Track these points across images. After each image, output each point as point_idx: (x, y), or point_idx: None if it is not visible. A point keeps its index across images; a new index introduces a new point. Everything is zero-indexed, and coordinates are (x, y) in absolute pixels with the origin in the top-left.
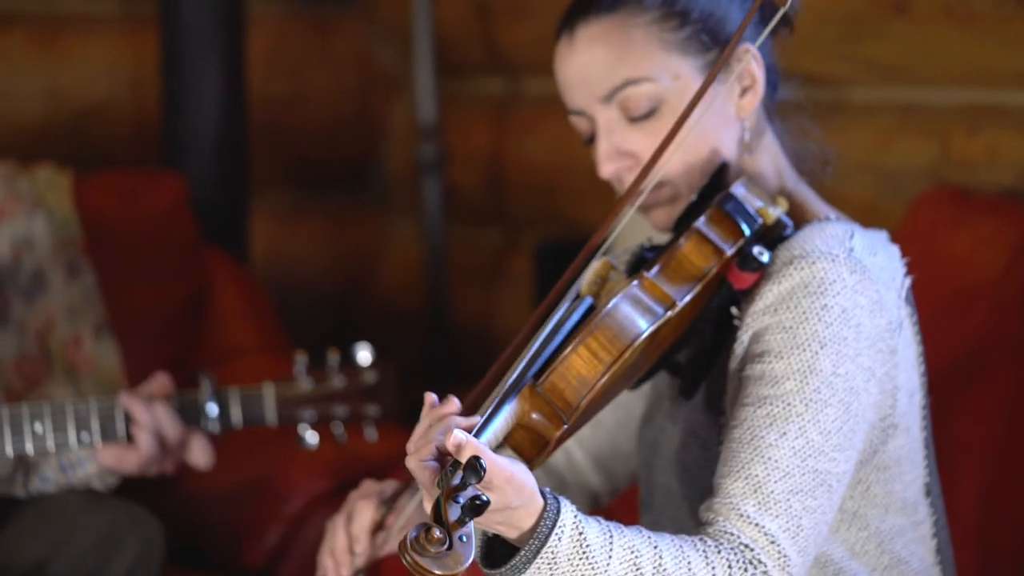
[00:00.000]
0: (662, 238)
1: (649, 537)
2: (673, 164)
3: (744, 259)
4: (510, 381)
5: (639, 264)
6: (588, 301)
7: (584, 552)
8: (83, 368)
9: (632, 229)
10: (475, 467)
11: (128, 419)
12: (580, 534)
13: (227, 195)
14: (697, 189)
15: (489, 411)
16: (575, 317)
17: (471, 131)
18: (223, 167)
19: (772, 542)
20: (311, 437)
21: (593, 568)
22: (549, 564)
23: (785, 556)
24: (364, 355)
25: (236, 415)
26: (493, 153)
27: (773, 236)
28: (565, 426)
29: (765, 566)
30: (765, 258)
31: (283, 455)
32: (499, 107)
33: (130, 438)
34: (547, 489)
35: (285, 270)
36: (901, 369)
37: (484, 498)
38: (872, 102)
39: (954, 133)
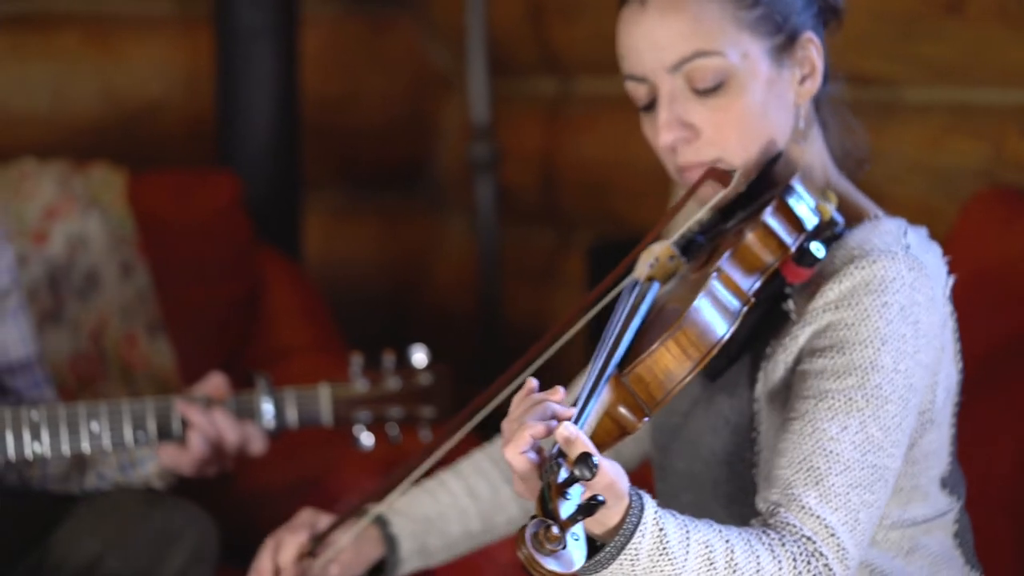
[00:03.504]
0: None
1: (720, 531)
2: (732, 141)
3: (802, 254)
4: (597, 370)
5: (690, 248)
6: (656, 286)
7: (664, 549)
8: (137, 367)
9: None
10: (588, 464)
11: (184, 421)
12: (661, 530)
13: (280, 194)
14: (750, 173)
15: (584, 401)
16: (646, 303)
17: (524, 131)
18: (277, 166)
19: (832, 535)
20: (366, 438)
21: (672, 564)
22: (631, 561)
23: (844, 549)
24: (419, 357)
25: (292, 415)
26: (546, 153)
27: (826, 232)
28: (646, 419)
29: (826, 558)
30: (821, 254)
31: (336, 455)
32: (552, 107)
33: (184, 440)
34: (630, 485)
35: (338, 270)
36: (943, 365)
37: (600, 499)
38: (925, 102)
39: (1007, 133)
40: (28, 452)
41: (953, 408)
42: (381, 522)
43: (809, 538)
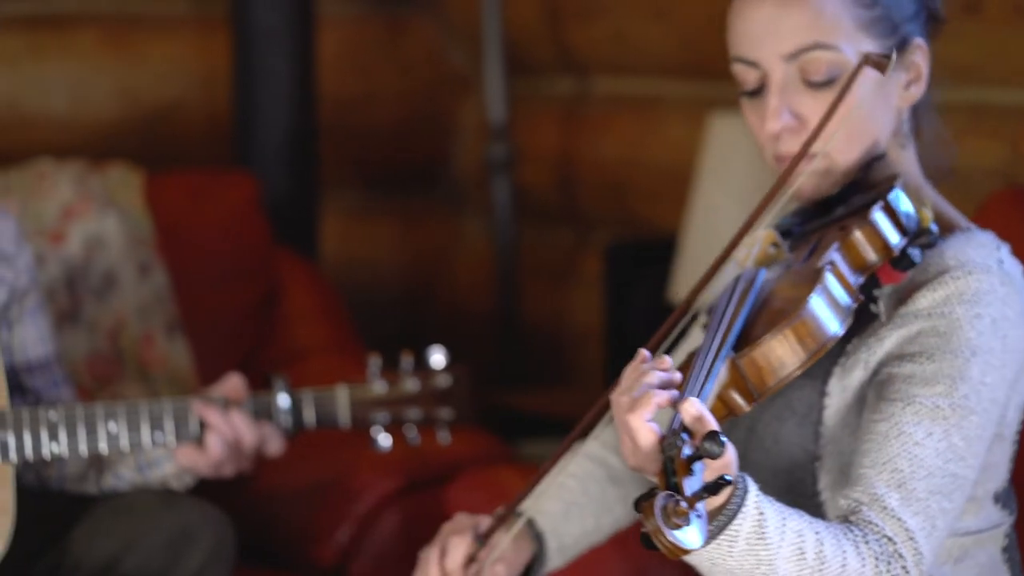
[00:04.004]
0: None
1: (810, 522)
2: (837, 136)
3: (900, 257)
4: (714, 348)
5: (788, 236)
6: (763, 272)
7: (762, 533)
8: (155, 367)
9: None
10: (717, 442)
11: (202, 422)
12: (761, 514)
13: (298, 195)
14: (849, 172)
15: (703, 378)
16: (755, 289)
17: (541, 131)
18: (294, 167)
19: (911, 538)
20: (384, 439)
21: (767, 548)
22: (730, 542)
23: (920, 553)
24: (438, 358)
25: (309, 417)
26: (563, 153)
27: (922, 239)
28: (755, 403)
29: (904, 560)
30: (918, 259)
31: (354, 455)
32: (569, 107)
33: (202, 440)
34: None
35: (355, 270)
36: (1019, 379)
37: (728, 478)
38: (942, 102)
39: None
40: (46, 452)
41: (1018, 427)
42: (528, 521)
43: (890, 539)
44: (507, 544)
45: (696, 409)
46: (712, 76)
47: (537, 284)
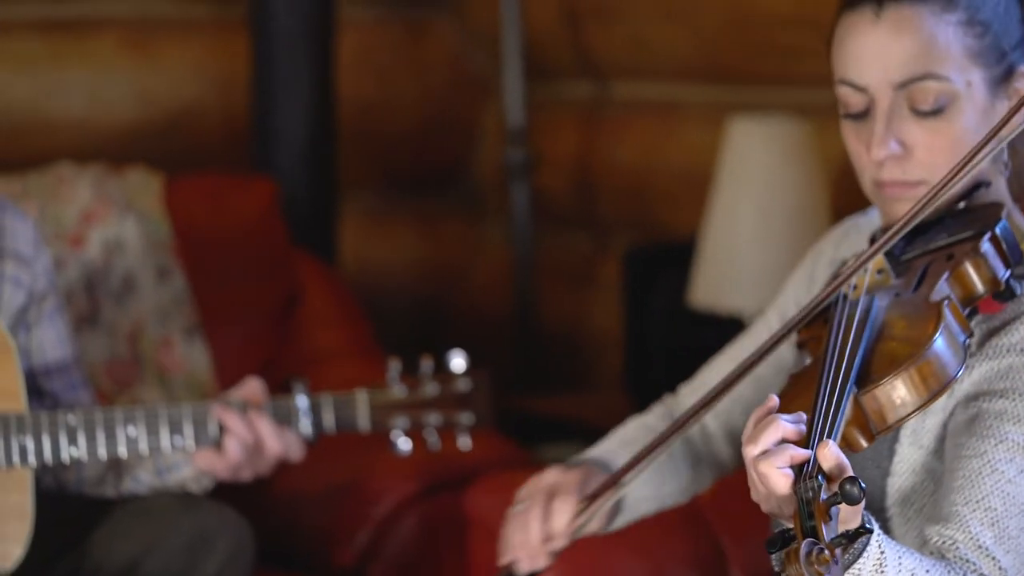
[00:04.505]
0: None
1: (920, 559)
2: (941, 165)
3: (1004, 289)
4: (837, 384)
5: (890, 260)
6: (877, 301)
7: (882, 572)
8: (174, 371)
9: None
10: (857, 486)
11: (221, 426)
12: (882, 553)
13: (316, 198)
14: (951, 198)
15: (831, 417)
16: (871, 320)
17: (560, 135)
18: (313, 170)
19: (1003, 575)
20: (404, 444)
21: None
22: None
23: None
24: (458, 362)
25: (329, 421)
26: (582, 157)
27: (1020, 269)
28: (873, 441)
29: None
30: (1019, 291)
31: (373, 459)
32: (588, 111)
33: (220, 444)
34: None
35: (374, 274)
36: None
37: (868, 526)
38: None
39: None
40: (64, 456)
41: None
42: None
43: None
44: (606, 508)
45: (834, 453)
46: (731, 80)
47: (555, 288)
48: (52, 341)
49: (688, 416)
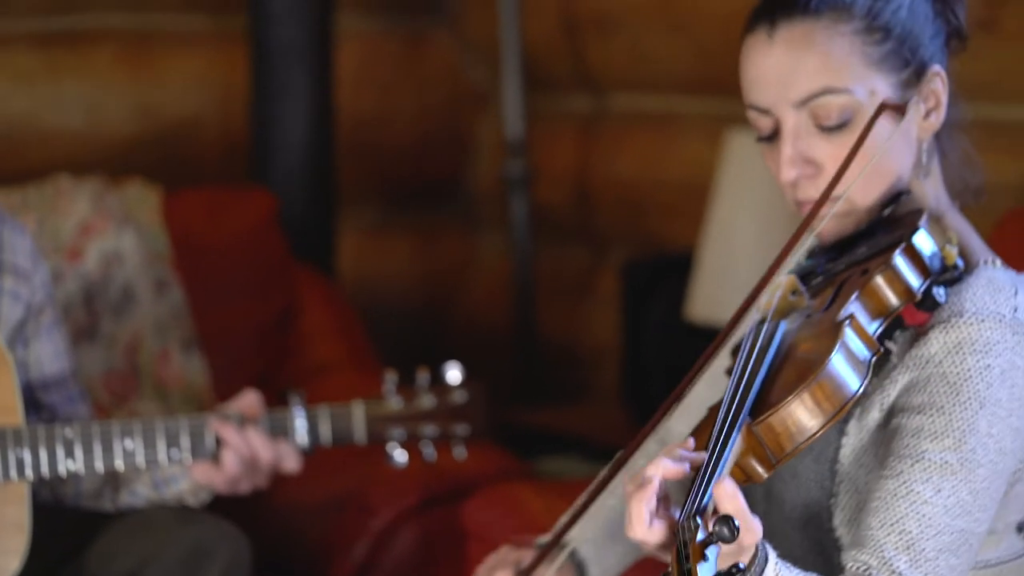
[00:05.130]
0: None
1: None
2: (857, 180)
3: (924, 298)
4: (730, 416)
5: (808, 280)
6: (783, 325)
7: None
8: (171, 384)
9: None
10: (730, 527)
11: (218, 439)
12: None
13: (315, 212)
14: (871, 211)
15: (718, 452)
16: (775, 345)
17: (558, 148)
18: (312, 184)
19: None
20: (400, 456)
21: None
22: None
23: None
24: (454, 374)
25: (325, 433)
26: (580, 170)
27: (946, 276)
28: (773, 470)
29: None
30: (943, 299)
31: (370, 471)
32: (586, 124)
33: (218, 457)
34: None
35: (372, 287)
36: None
37: (741, 566)
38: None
39: None
40: (62, 469)
41: None
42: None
43: None
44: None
45: (726, 491)
46: (729, 93)
47: (554, 301)
48: (50, 354)
49: (619, 464)
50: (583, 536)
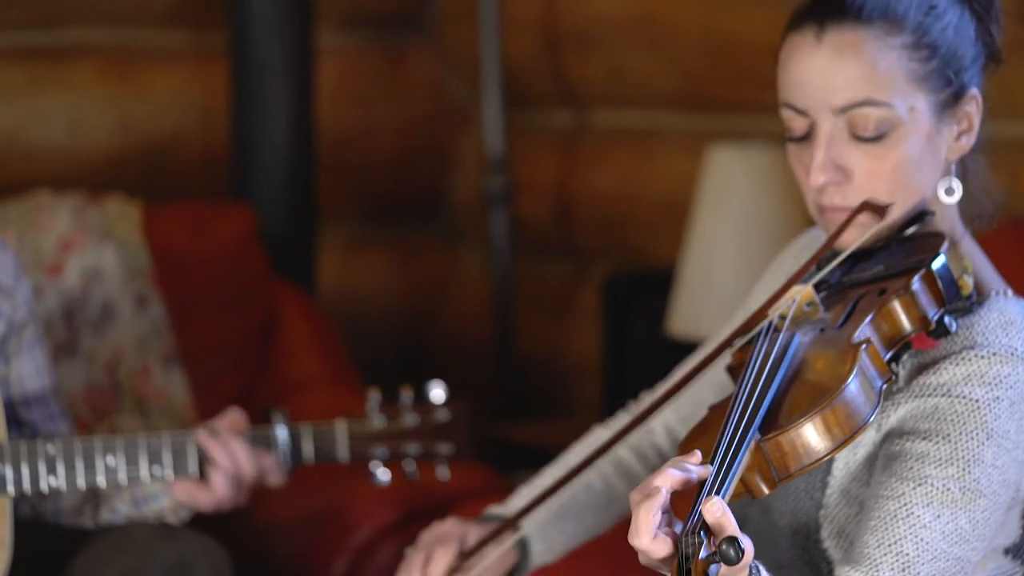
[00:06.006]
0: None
1: None
2: (882, 191)
3: (936, 326)
4: (740, 430)
5: (822, 290)
6: (797, 338)
7: None
8: (152, 399)
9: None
10: (736, 547)
11: (202, 458)
12: None
13: (296, 227)
14: (893, 226)
15: (726, 467)
16: (788, 358)
17: (539, 163)
18: (292, 199)
19: None
20: (383, 474)
21: None
22: None
23: None
24: (437, 393)
25: (308, 451)
26: (561, 185)
27: (959, 305)
28: (775, 488)
29: None
30: (954, 329)
31: (351, 487)
32: (567, 139)
33: (202, 475)
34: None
35: (353, 302)
36: None
37: None
38: None
39: (1023, 166)
40: (43, 485)
41: None
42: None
43: None
44: (493, 559)
45: (717, 510)
46: (710, 109)
47: (535, 316)
48: (31, 372)
49: (596, 453)
50: (536, 517)
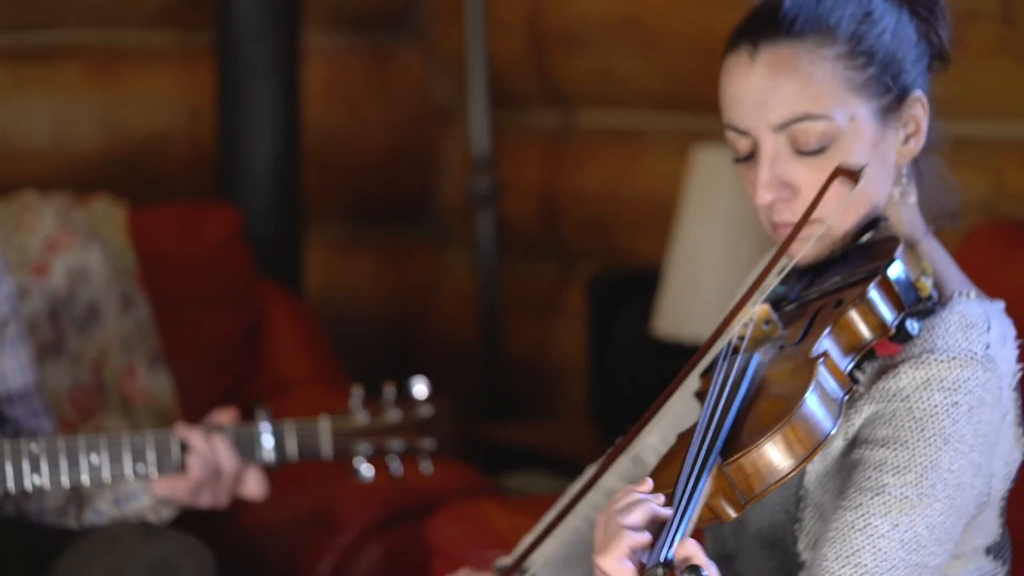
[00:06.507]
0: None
1: None
2: (831, 204)
3: (897, 331)
4: (701, 457)
5: (781, 306)
6: (756, 358)
7: None
8: (137, 399)
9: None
10: None
11: (183, 448)
12: None
13: (282, 227)
14: (847, 237)
15: (688, 496)
16: (747, 379)
17: (525, 163)
18: (278, 199)
19: None
20: (367, 470)
21: None
22: None
23: None
24: (420, 388)
25: (292, 448)
26: (547, 185)
27: (920, 307)
28: (742, 510)
29: None
30: (916, 331)
31: (337, 487)
32: (553, 139)
33: (183, 466)
34: None
35: (340, 302)
36: (998, 455)
37: None
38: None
39: (1008, 166)
40: (27, 484)
41: (1009, 486)
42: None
43: None
44: None
45: (686, 552)
46: (696, 109)
47: (520, 316)
48: (14, 369)
49: (587, 486)
50: (542, 558)
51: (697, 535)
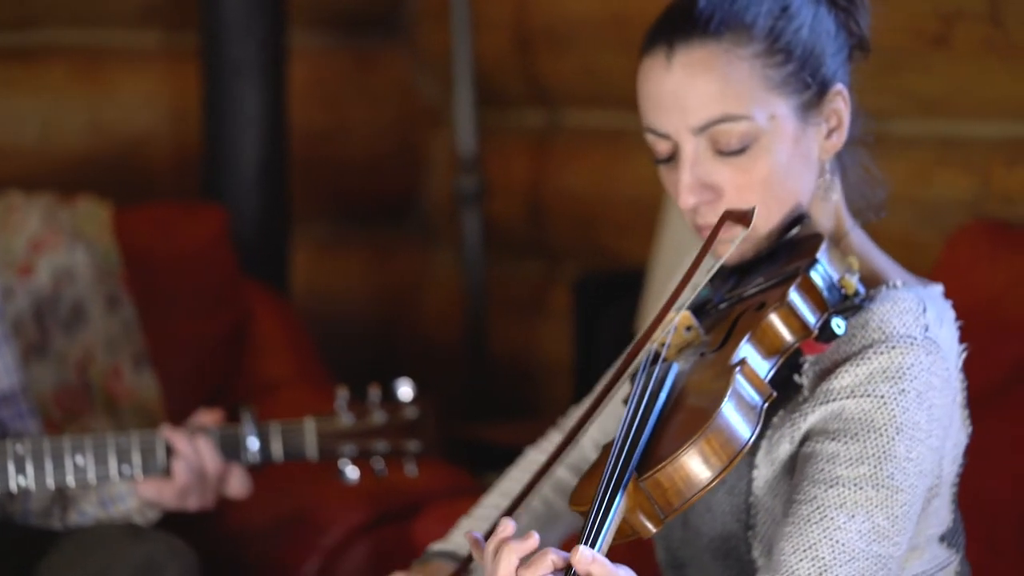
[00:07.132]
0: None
1: None
2: (754, 203)
3: (822, 331)
4: (616, 473)
5: (704, 311)
6: (675, 367)
7: None
8: (123, 400)
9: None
10: None
11: (168, 451)
12: None
13: (267, 227)
14: (771, 235)
15: (601, 515)
16: (666, 389)
17: (511, 163)
18: (264, 199)
19: None
20: (351, 472)
21: None
22: None
23: None
24: (405, 390)
25: (277, 449)
26: (533, 185)
27: (847, 304)
28: (662, 525)
29: None
30: (842, 331)
31: (321, 488)
32: (539, 139)
33: (168, 470)
34: None
35: (325, 302)
36: (948, 437)
37: None
38: (912, 135)
39: (994, 166)
40: (12, 485)
41: (958, 470)
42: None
43: None
44: None
45: (588, 558)
46: None
47: (506, 316)
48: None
49: (521, 495)
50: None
51: (648, 543)
